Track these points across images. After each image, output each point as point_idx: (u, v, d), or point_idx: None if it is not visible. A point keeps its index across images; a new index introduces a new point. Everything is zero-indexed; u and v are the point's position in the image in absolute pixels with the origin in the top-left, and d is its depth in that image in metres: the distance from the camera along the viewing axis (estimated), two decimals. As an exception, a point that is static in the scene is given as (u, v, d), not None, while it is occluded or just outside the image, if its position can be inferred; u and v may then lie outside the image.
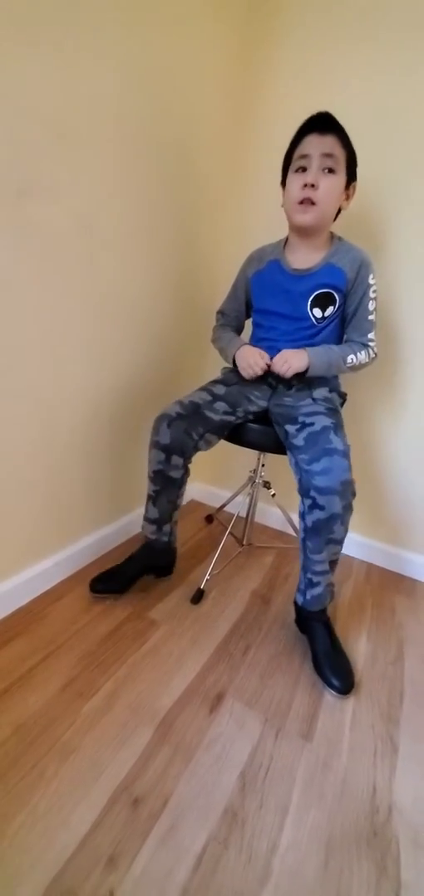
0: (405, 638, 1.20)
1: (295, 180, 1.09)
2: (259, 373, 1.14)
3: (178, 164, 1.30)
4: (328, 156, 1.05)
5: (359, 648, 1.13)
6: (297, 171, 1.09)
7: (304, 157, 1.06)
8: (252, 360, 1.14)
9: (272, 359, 1.14)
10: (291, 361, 1.10)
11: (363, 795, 0.78)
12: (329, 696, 0.97)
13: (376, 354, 1.19)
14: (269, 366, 1.14)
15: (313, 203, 1.07)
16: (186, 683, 0.95)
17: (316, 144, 1.05)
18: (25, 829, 0.66)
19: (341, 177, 1.08)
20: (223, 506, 1.67)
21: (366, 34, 1.31)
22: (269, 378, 1.20)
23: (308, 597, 1.05)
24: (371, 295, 1.15)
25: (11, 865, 0.61)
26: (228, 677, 0.98)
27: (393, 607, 1.33)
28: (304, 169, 1.07)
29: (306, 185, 1.06)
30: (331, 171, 1.06)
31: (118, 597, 1.18)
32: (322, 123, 1.05)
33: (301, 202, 1.08)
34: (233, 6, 1.37)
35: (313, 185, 1.06)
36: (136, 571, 1.20)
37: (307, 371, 1.10)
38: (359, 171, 1.13)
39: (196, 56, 1.26)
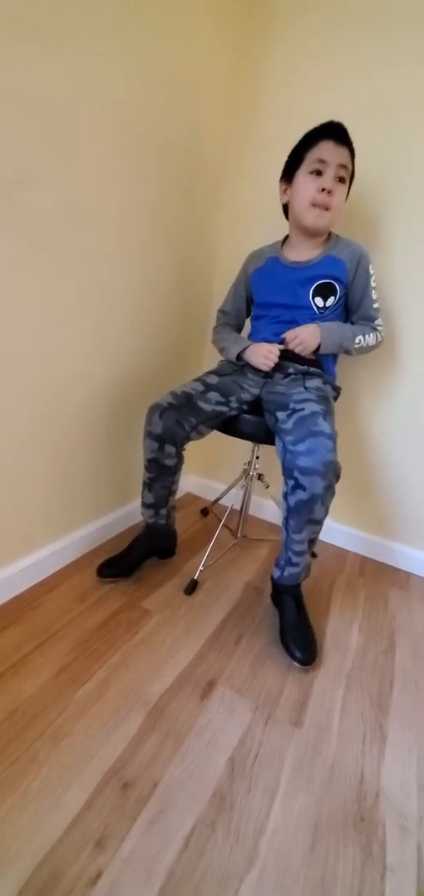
0: (397, 629, 1.21)
1: (310, 182, 1.11)
2: (276, 360, 1.16)
3: (175, 157, 1.29)
4: (343, 166, 1.10)
5: (351, 639, 1.14)
6: (312, 173, 1.11)
7: (321, 161, 1.09)
8: (265, 351, 1.17)
9: (281, 342, 1.16)
10: (306, 342, 1.14)
11: (352, 781, 0.79)
12: (318, 684, 0.98)
13: (382, 339, 1.24)
14: (283, 349, 1.16)
15: (327, 209, 1.12)
16: (178, 671, 0.96)
17: (334, 153, 1.08)
18: (16, 811, 0.67)
19: (346, 187, 1.14)
20: (218, 499, 1.68)
21: (364, 28, 1.31)
22: None
23: (285, 573, 1.08)
24: (373, 284, 1.20)
25: (1, 847, 0.62)
26: (219, 666, 0.99)
27: (386, 599, 1.34)
28: (319, 173, 1.10)
29: (323, 190, 1.10)
30: (342, 180, 1.12)
31: (124, 580, 1.22)
32: (340, 134, 1.09)
33: (316, 205, 1.12)
34: (232, 2, 1.37)
35: (329, 192, 1.10)
36: (140, 554, 1.25)
37: (318, 348, 1.15)
38: (357, 163, 1.15)
39: (194, 49, 1.26)
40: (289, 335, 1.15)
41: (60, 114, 0.91)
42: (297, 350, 1.15)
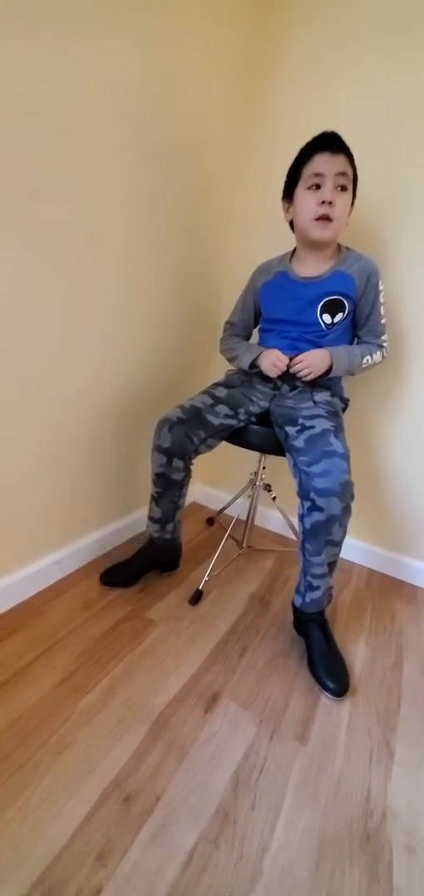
0: (404, 644, 1.19)
1: (310, 197, 1.10)
2: (284, 368, 1.15)
3: (185, 171, 1.31)
4: (342, 174, 1.08)
5: (358, 654, 1.12)
6: (310, 188, 1.10)
7: (318, 175, 1.08)
8: (273, 358, 1.16)
9: (291, 358, 1.15)
10: (313, 368, 1.13)
11: (358, 799, 0.77)
12: (326, 699, 0.97)
13: (387, 355, 1.24)
14: (288, 365, 1.15)
15: (330, 220, 1.10)
16: (182, 683, 0.95)
17: (330, 163, 1.07)
18: (17, 822, 0.66)
19: (350, 194, 1.12)
20: (224, 508, 1.67)
21: (374, 37, 1.31)
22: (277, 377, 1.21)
23: (307, 599, 1.06)
24: (382, 300, 1.18)
25: (1, 858, 0.62)
26: (224, 678, 0.98)
27: (393, 613, 1.32)
28: (318, 186, 1.09)
29: (324, 202, 1.08)
30: (343, 188, 1.09)
31: (126, 589, 1.23)
32: (335, 143, 1.07)
33: (319, 218, 1.10)
34: (240, 13, 1.38)
35: (330, 203, 1.08)
36: (142, 566, 1.26)
37: (328, 372, 1.14)
38: (365, 173, 1.15)
39: (204, 63, 1.28)
40: (298, 364, 1.13)
41: (75, 129, 0.93)
42: (302, 376, 1.14)
